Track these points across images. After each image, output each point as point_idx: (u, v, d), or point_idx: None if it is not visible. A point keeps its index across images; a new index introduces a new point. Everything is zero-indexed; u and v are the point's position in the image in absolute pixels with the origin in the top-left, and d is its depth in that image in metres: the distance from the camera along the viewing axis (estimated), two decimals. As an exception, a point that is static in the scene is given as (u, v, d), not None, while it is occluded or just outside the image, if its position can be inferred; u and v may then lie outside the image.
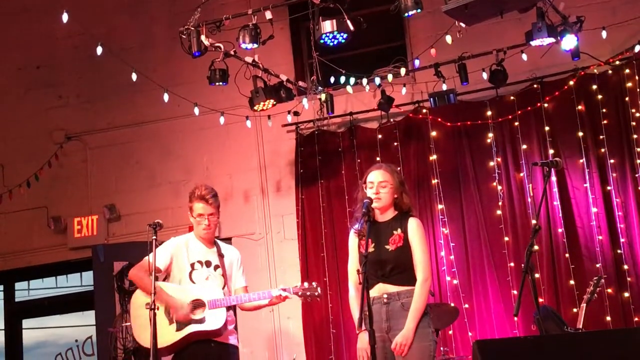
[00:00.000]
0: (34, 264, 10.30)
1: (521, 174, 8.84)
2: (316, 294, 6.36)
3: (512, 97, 9.02)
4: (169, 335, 6.09)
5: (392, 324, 5.47)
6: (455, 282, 8.74)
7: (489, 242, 8.79)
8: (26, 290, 10.92)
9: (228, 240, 9.07)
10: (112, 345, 8.85)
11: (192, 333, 6.15)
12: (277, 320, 9.36)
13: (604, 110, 8.74)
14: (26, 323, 10.78)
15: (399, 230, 5.63)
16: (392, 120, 9.35)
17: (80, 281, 10.66)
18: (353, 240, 5.77)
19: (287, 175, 9.72)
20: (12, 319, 10.66)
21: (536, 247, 8.38)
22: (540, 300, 8.16)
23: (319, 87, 8.97)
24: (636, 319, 8.23)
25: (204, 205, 6.40)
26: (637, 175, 8.50)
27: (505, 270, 8.67)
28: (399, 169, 8.84)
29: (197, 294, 6.24)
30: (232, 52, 7.94)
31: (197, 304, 6.21)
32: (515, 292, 8.47)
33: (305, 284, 6.43)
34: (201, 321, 6.16)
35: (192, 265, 6.37)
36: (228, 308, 6.28)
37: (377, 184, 5.69)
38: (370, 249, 5.52)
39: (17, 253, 10.29)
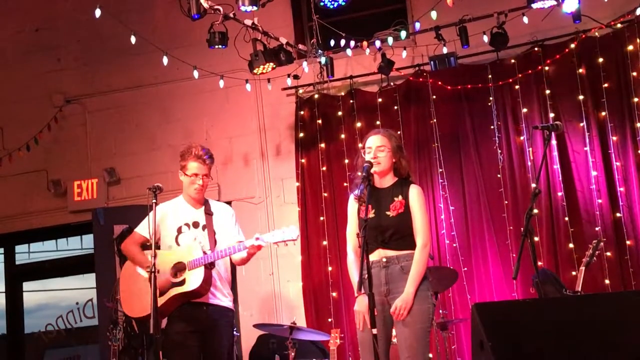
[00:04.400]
0: (34, 227, 10.33)
1: (521, 138, 8.83)
2: (293, 238, 6.10)
3: (512, 60, 8.99)
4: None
5: (391, 287, 5.48)
6: (454, 245, 8.76)
7: (488, 206, 8.81)
8: (26, 253, 10.96)
9: (228, 203, 9.05)
10: (112, 308, 8.88)
11: (173, 296, 6.12)
12: (276, 284, 9.40)
13: (605, 73, 8.71)
14: (27, 286, 10.83)
15: (400, 197, 5.62)
16: (392, 83, 9.32)
17: (80, 244, 10.71)
18: (352, 206, 5.76)
19: (287, 139, 9.71)
20: (12, 282, 10.72)
21: (536, 211, 8.38)
22: (539, 263, 8.18)
23: (319, 51, 8.94)
24: (635, 282, 8.25)
25: (199, 165, 6.35)
26: (637, 138, 8.48)
27: (505, 234, 8.69)
28: (399, 132, 8.85)
29: (178, 258, 6.20)
30: (231, 15, 7.90)
31: (179, 267, 6.17)
32: (514, 255, 8.50)
33: (282, 229, 6.16)
34: (181, 283, 6.13)
35: (179, 229, 6.33)
36: (210, 266, 6.18)
37: (375, 148, 5.68)
38: (371, 215, 5.52)
39: (17, 216, 10.32)
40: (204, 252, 6.16)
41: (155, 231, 6.14)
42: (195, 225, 6.37)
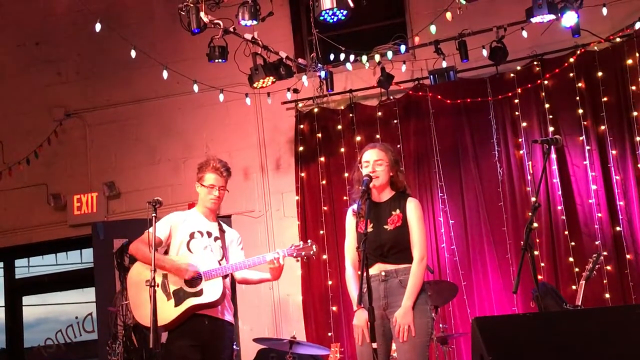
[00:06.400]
0: (34, 241, 10.32)
1: (521, 152, 8.84)
2: (311, 252, 6.20)
3: (512, 75, 9.01)
4: (168, 311, 6.02)
5: (390, 301, 5.47)
6: (454, 259, 8.75)
7: (488, 220, 8.80)
8: (26, 267, 10.96)
9: (227, 217, 9.07)
10: (112, 321, 8.87)
11: (191, 307, 6.07)
12: (276, 298, 9.38)
13: (604, 87, 8.73)
14: (26, 300, 10.82)
15: (398, 211, 5.62)
16: (391, 97, 9.33)
17: (80, 258, 10.70)
18: (350, 220, 5.75)
19: (286, 153, 9.71)
20: (12, 296, 10.71)
21: (535, 225, 8.39)
22: (539, 277, 8.18)
23: (319, 64, 8.94)
24: (635, 296, 8.24)
25: (216, 177, 6.37)
26: (637, 152, 8.49)
27: (505, 248, 8.68)
28: (398, 146, 8.86)
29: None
30: (231, 29, 7.92)
31: (195, 276, 6.17)
32: (514, 269, 8.49)
33: (300, 244, 6.28)
34: (199, 294, 6.11)
35: (192, 234, 6.30)
36: (224, 278, 6.20)
37: (373, 162, 5.68)
38: (369, 229, 5.52)
39: (17, 230, 10.31)
40: (219, 263, 6.17)
41: (168, 235, 6.23)
42: (209, 234, 6.36)
